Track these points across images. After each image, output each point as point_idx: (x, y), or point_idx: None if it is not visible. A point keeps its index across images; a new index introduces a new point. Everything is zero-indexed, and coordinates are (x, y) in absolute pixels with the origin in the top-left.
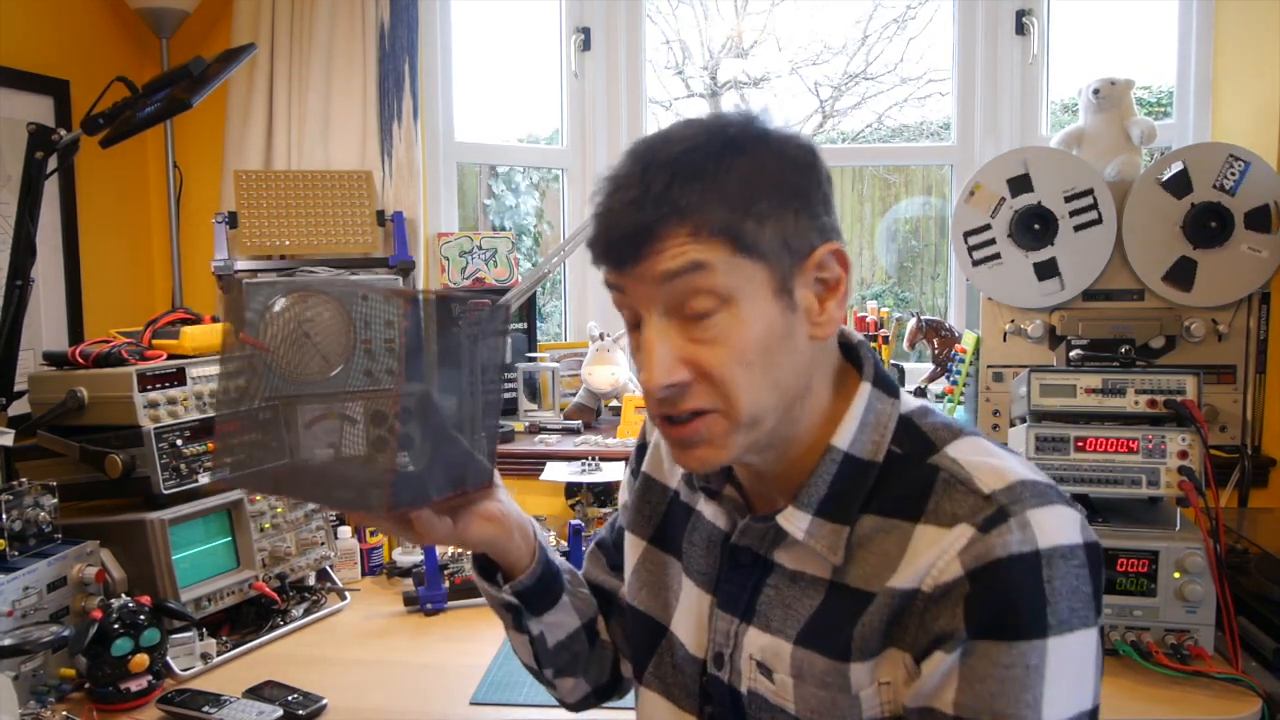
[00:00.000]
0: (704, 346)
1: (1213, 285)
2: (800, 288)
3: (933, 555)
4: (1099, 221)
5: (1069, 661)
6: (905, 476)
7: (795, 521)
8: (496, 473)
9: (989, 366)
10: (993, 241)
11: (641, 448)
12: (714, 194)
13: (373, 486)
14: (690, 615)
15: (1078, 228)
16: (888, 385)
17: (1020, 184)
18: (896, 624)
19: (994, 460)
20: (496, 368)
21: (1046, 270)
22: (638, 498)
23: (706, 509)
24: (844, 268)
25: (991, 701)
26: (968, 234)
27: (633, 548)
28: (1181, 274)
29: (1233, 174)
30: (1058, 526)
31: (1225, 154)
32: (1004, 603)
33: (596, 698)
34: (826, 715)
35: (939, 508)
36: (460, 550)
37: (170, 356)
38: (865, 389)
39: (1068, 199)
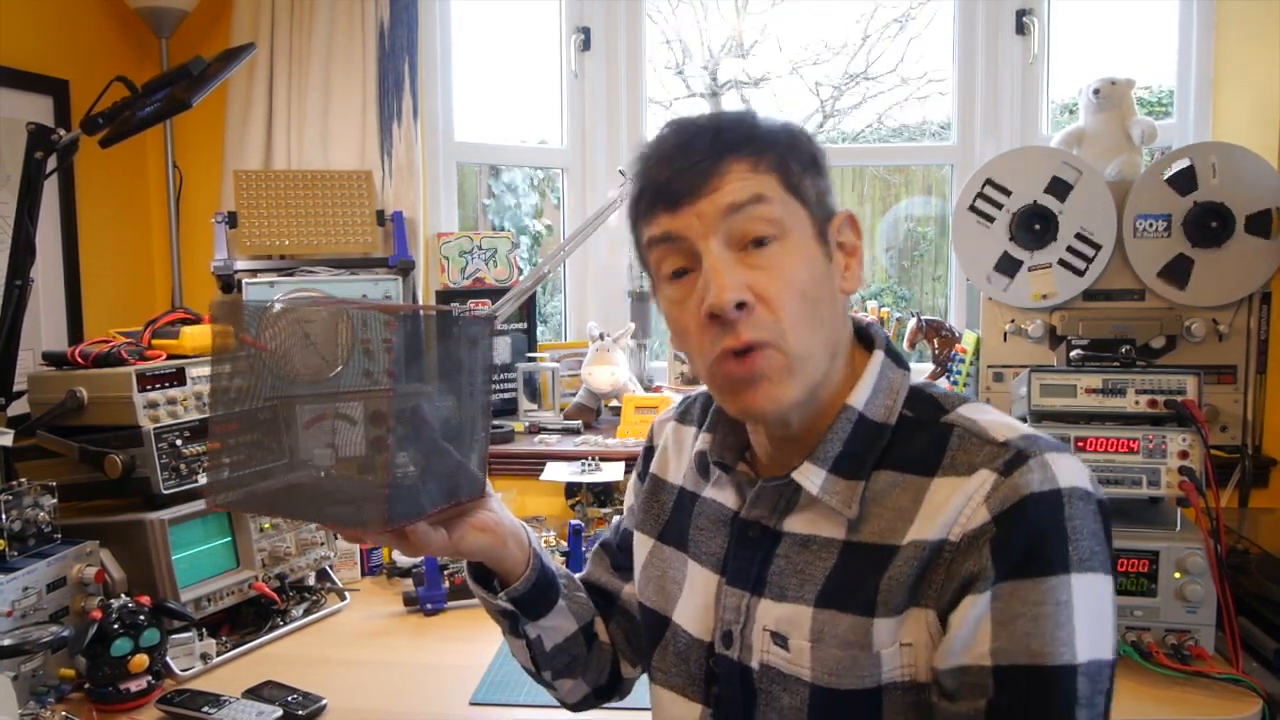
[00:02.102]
0: (763, 272)
1: (1209, 285)
2: (830, 242)
3: (958, 503)
4: (1083, 273)
5: (1092, 601)
6: (919, 435)
7: (810, 477)
8: (489, 482)
9: (989, 366)
10: (999, 205)
11: (649, 450)
12: (762, 137)
13: (367, 502)
14: (695, 600)
15: (1063, 260)
16: (898, 358)
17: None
18: (923, 578)
19: (1005, 418)
20: (485, 379)
21: (1007, 266)
22: (646, 499)
23: (714, 492)
24: (857, 235)
25: (1027, 641)
26: (982, 186)
27: (641, 547)
28: (1177, 271)
29: (1151, 228)
30: (1074, 470)
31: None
32: (1029, 541)
33: (596, 698)
34: (845, 676)
35: (955, 460)
36: None
37: (170, 356)
38: (878, 356)
39: (1078, 236)
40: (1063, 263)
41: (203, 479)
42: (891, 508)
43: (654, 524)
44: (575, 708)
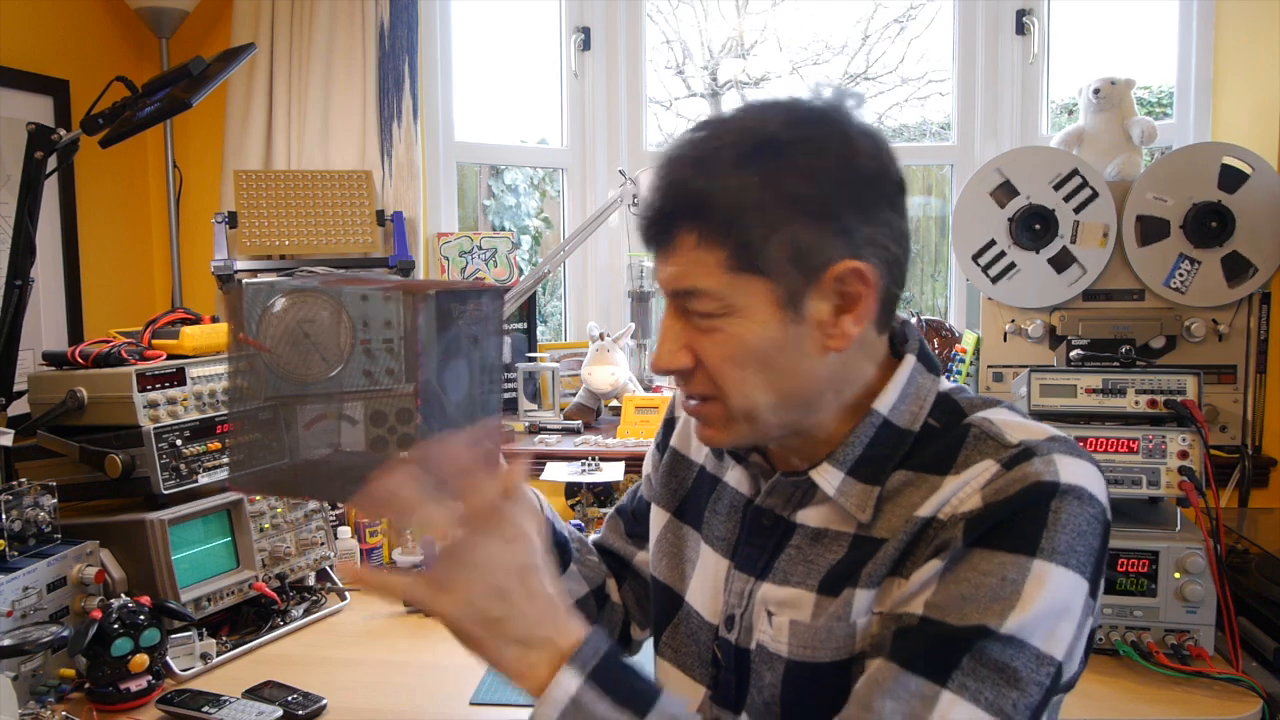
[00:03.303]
0: (705, 337)
1: (1269, 249)
2: (816, 300)
3: (955, 487)
4: (1096, 195)
5: (1050, 595)
6: (939, 440)
7: (827, 477)
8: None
9: (989, 366)
10: (1003, 254)
11: (669, 423)
12: (726, 199)
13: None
14: (706, 582)
15: (1078, 208)
16: (930, 362)
17: (1007, 191)
18: (907, 552)
19: (1027, 421)
20: (497, 354)
21: (1061, 260)
22: (665, 472)
23: (731, 477)
24: (866, 285)
25: (961, 604)
26: (975, 256)
27: (656, 520)
28: (1236, 270)
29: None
30: (1083, 473)
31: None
32: (1003, 517)
33: None
34: (820, 649)
35: (967, 459)
36: None
37: (170, 356)
38: (910, 361)
39: (1056, 187)
40: (1077, 209)
41: (203, 478)
42: (904, 504)
43: (671, 498)
44: None
